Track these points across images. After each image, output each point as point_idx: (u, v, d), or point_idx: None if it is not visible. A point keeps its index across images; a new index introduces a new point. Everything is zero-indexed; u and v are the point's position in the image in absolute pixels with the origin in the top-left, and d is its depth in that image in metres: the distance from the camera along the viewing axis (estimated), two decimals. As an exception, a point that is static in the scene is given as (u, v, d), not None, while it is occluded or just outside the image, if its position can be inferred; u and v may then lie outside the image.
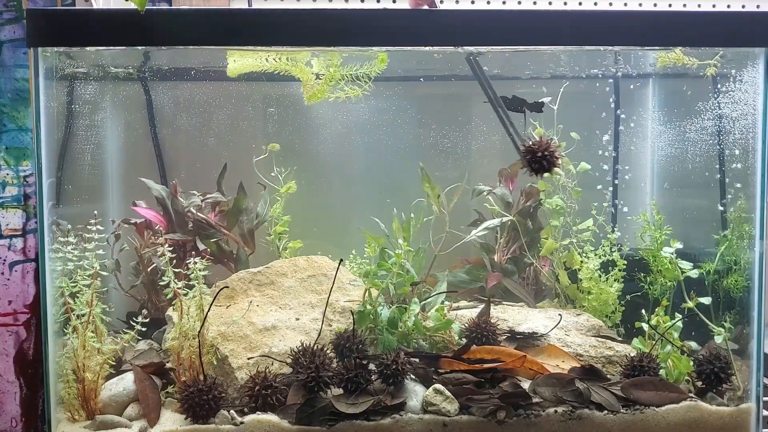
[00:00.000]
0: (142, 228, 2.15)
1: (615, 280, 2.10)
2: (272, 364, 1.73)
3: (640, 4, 2.38)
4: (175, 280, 1.70)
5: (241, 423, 1.57)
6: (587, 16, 1.71)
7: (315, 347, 1.66)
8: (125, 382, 1.69)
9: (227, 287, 1.91)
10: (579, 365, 1.78)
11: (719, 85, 1.98)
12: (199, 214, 2.16)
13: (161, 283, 1.73)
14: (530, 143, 1.56)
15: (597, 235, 2.17)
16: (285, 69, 1.95)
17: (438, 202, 2.25)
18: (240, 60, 1.93)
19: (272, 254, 2.23)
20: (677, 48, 1.77)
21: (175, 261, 1.72)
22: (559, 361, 1.81)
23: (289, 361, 1.67)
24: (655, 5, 2.39)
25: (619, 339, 1.99)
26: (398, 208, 2.14)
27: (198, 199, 2.18)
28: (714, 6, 2.39)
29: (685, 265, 1.96)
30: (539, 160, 1.55)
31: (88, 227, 1.68)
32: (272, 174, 2.23)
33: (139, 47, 1.75)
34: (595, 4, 2.39)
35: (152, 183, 2.15)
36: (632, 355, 1.80)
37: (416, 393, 1.66)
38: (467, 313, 2.02)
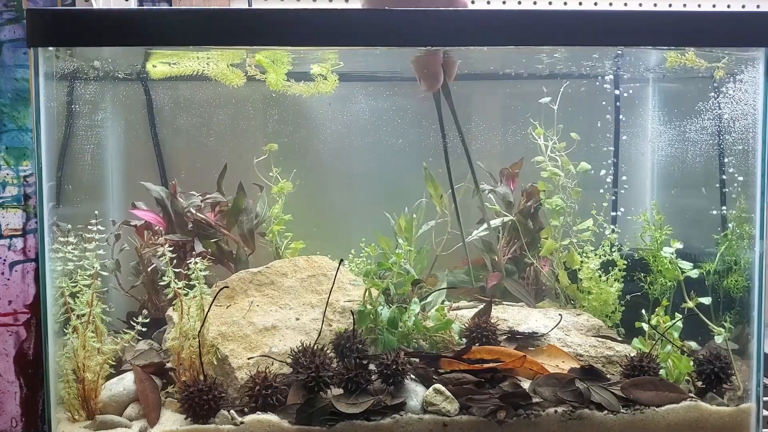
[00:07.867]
0: (141, 230, 2.14)
1: (615, 280, 2.10)
2: (272, 364, 1.73)
3: (640, 4, 2.38)
4: (176, 280, 1.70)
5: (241, 423, 1.57)
6: (583, 16, 1.70)
7: (315, 347, 1.66)
8: (125, 382, 1.69)
9: (227, 287, 1.91)
10: (579, 365, 1.78)
11: (719, 86, 1.98)
12: (198, 214, 2.16)
13: (161, 284, 1.73)
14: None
15: (598, 235, 2.17)
16: (200, 70, 1.92)
17: (441, 202, 2.25)
18: (159, 66, 1.90)
19: (272, 254, 2.23)
20: (690, 49, 1.76)
21: (175, 261, 1.71)
22: (559, 361, 1.81)
23: (289, 361, 1.67)
24: (655, 5, 2.39)
25: (619, 339, 1.99)
26: (399, 208, 2.13)
27: (198, 200, 2.18)
28: (714, 6, 2.39)
29: (685, 265, 1.96)
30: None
31: (89, 227, 1.68)
32: (271, 174, 2.23)
33: (139, 47, 1.75)
34: (595, 4, 2.39)
35: (151, 185, 2.15)
36: (632, 355, 1.80)
37: (416, 393, 1.66)
38: (467, 313, 2.02)
